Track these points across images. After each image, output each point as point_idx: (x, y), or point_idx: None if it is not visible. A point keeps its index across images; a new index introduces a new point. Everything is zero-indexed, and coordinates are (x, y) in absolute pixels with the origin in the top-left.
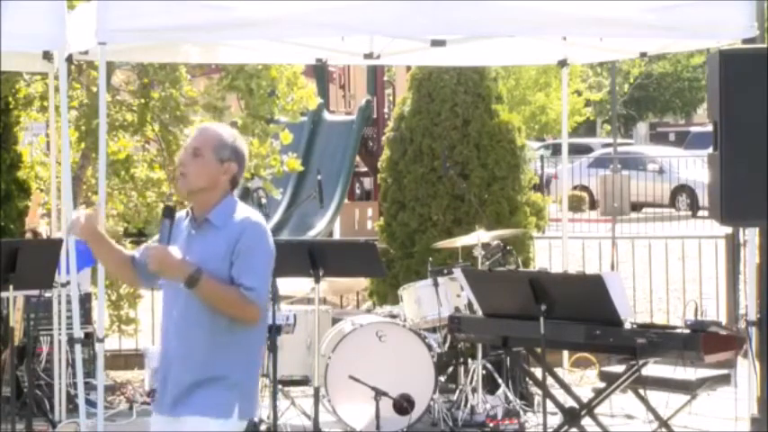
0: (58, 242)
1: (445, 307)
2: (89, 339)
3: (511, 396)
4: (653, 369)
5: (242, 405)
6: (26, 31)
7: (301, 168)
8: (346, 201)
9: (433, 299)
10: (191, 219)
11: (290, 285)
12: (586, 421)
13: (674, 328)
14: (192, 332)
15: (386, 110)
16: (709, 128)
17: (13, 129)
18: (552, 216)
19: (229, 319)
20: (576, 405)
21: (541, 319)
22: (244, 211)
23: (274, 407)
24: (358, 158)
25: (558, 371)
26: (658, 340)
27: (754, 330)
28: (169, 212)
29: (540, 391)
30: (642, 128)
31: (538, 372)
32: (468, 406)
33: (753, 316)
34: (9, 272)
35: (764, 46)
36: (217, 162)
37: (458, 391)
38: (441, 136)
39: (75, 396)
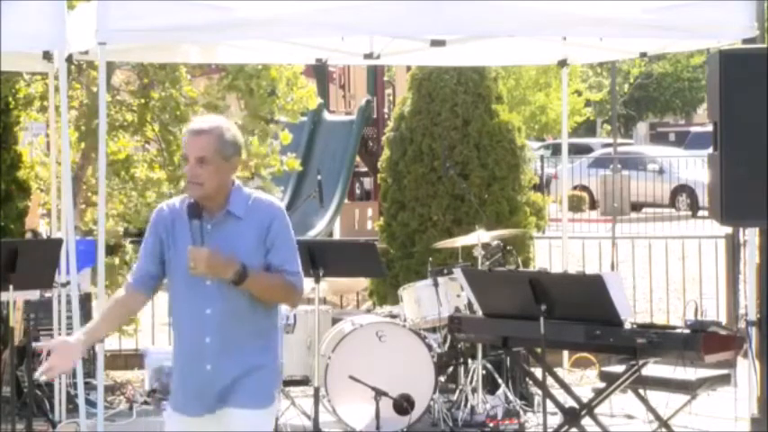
0: (58, 242)
1: (445, 307)
2: None
3: (511, 396)
4: (653, 369)
5: (277, 390)
6: (26, 31)
7: (301, 168)
8: (346, 201)
9: (433, 299)
10: (200, 214)
11: None
12: (586, 421)
13: (674, 328)
14: (235, 326)
15: (386, 110)
16: (709, 128)
17: (13, 129)
18: (552, 216)
19: (266, 306)
20: (576, 405)
21: (541, 319)
22: (259, 195)
23: None
24: (358, 158)
25: (558, 371)
26: (658, 340)
27: (754, 330)
28: (196, 212)
29: (540, 391)
30: (642, 128)
31: (538, 372)
32: (468, 406)
33: (753, 316)
34: (9, 272)
35: (764, 46)
36: (223, 162)
37: (458, 391)
38: (441, 136)
39: (75, 396)
